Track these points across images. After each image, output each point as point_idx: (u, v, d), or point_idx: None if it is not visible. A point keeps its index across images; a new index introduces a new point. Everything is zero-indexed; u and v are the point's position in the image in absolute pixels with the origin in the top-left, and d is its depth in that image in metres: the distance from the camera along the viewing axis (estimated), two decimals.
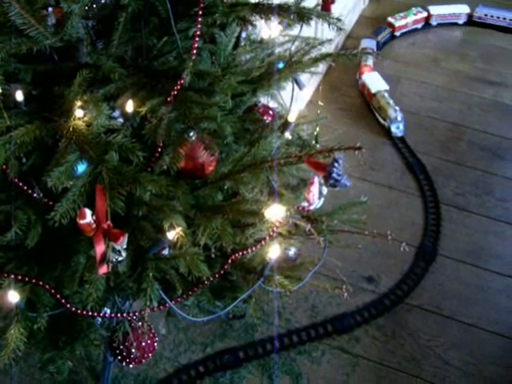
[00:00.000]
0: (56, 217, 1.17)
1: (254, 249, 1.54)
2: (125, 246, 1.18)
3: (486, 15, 3.86)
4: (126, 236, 1.18)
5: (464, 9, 3.88)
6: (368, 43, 3.58)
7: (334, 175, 1.28)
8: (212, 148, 1.34)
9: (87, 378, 2.09)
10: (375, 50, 3.55)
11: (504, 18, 3.87)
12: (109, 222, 1.17)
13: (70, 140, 1.20)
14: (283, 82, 1.58)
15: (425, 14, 3.84)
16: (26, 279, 1.37)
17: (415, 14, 3.80)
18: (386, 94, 3.16)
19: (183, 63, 1.35)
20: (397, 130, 3.03)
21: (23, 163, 1.33)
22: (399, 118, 3.00)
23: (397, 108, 3.04)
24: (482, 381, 2.17)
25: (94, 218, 1.16)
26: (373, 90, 3.22)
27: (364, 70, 3.36)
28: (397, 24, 3.74)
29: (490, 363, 2.22)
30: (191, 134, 1.31)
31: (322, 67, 3.31)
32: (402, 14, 3.78)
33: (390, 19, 3.76)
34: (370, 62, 3.39)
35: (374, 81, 3.28)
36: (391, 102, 3.10)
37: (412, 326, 2.32)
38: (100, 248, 1.15)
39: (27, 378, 2.09)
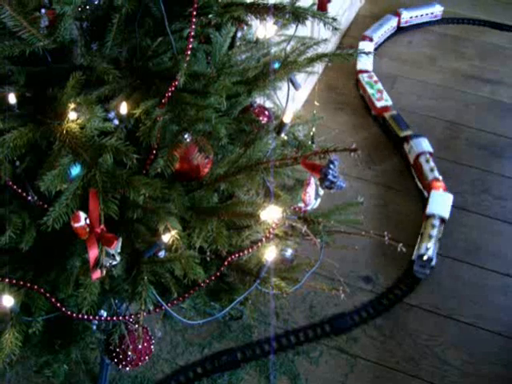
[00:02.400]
0: (49, 221, 1.16)
1: (250, 250, 1.53)
2: (119, 250, 1.18)
3: (411, 17, 3.82)
4: (120, 240, 1.18)
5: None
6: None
7: (330, 177, 1.27)
8: (207, 150, 1.33)
9: (84, 381, 2.08)
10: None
11: (426, 14, 3.86)
12: (102, 227, 1.16)
13: (64, 143, 1.19)
14: (279, 82, 1.57)
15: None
16: (21, 283, 1.36)
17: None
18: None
19: (178, 64, 1.34)
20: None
21: (17, 166, 1.32)
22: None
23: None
24: (480, 380, 2.17)
25: (88, 221, 1.15)
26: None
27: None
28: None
29: (489, 362, 2.21)
30: (186, 135, 1.30)
31: (318, 67, 3.30)
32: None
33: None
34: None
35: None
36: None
37: (410, 325, 2.32)
38: (93, 253, 1.14)
39: (24, 382, 2.09)
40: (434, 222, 2.55)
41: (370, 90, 3.22)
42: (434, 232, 2.51)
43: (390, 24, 3.73)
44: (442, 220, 2.59)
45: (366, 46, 3.49)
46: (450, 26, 3.88)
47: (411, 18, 3.83)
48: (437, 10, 3.87)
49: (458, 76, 3.50)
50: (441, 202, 2.64)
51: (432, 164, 2.78)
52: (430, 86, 3.42)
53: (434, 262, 2.46)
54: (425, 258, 2.42)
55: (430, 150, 2.84)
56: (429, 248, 2.45)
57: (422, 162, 2.79)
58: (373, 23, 3.70)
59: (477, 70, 3.55)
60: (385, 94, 3.18)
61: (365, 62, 3.41)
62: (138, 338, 1.58)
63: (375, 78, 3.29)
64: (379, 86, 3.24)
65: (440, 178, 2.72)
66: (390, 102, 3.13)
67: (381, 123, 3.15)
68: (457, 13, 3.96)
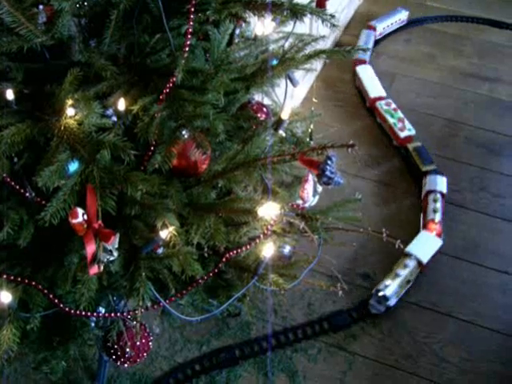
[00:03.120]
0: (46, 217, 1.16)
1: (248, 247, 1.53)
2: (116, 246, 1.17)
3: (384, 28, 3.73)
4: (118, 236, 1.17)
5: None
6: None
7: (328, 173, 1.27)
8: (205, 146, 1.33)
9: (83, 377, 2.08)
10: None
11: (396, 22, 3.78)
12: (100, 222, 1.16)
13: (62, 139, 1.19)
14: (277, 78, 1.57)
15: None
16: (19, 279, 1.36)
17: None
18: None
19: (176, 61, 1.34)
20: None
21: (15, 163, 1.32)
22: None
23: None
24: (478, 377, 2.17)
25: (86, 217, 1.15)
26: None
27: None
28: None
29: (487, 360, 2.22)
30: (184, 132, 1.30)
31: (316, 64, 3.30)
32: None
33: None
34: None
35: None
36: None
37: (408, 323, 2.32)
38: (91, 248, 1.14)
39: (22, 378, 2.09)
40: (407, 262, 2.38)
41: (390, 120, 3.01)
42: (404, 272, 2.35)
43: (371, 40, 3.60)
44: (420, 263, 2.41)
45: (364, 69, 3.37)
46: (448, 23, 3.88)
47: (384, 28, 3.72)
48: (403, 16, 3.78)
49: (456, 74, 3.50)
50: (425, 245, 2.47)
51: (438, 205, 2.60)
52: (428, 83, 3.42)
53: (391, 303, 2.32)
54: (380, 294, 2.28)
55: (443, 190, 2.67)
56: (388, 286, 2.30)
57: (429, 200, 2.64)
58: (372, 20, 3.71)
59: (475, 67, 3.55)
60: (407, 123, 2.99)
61: (378, 88, 3.22)
62: (135, 335, 1.58)
63: (394, 106, 3.09)
64: (399, 114, 3.05)
65: (439, 221, 2.56)
66: (413, 132, 2.95)
67: (403, 155, 2.96)
68: (455, 11, 3.96)
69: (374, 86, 3.25)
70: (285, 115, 1.54)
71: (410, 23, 3.83)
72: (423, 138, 2.96)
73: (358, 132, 3.09)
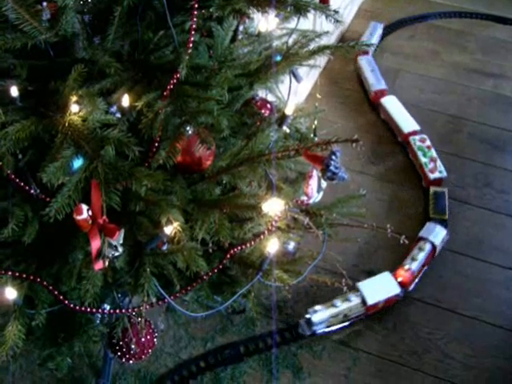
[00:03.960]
0: (51, 213, 1.16)
1: (252, 243, 1.53)
2: (121, 241, 1.18)
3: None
4: (123, 231, 1.18)
5: None
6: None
7: (332, 168, 1.27)
8: (209, 141, 1.33)
9: (88, 374, 2.08)
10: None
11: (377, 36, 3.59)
12: (104, 217, 1.16)
13: (66, 135, 1.19)
14: (280, 74, 1.57)
15: None
16: (24, 276, 1.37)
17: None
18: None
19: (179, 57, 1.34)
20: None
21: (19, 159, 1.32)
22: None
23: None
24: (482, 373, 2.17)
25: (91, 212, 1.16)
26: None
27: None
28: None
29: (491, 355, 2.21)
30: (188, 128, 1.30)
31: (320, 60, 3.30)
32: None
33: None
34: None
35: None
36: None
37: (413, 319, 2.32)
38: (96, 243, 1.15)
39: (28, 375, 2.09)
40: (350, 297, 2.25)
41: (422, 159, 2.82)
42: (342, 306, 2.23)
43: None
44: (364, 302, 2.26)
45: (391, 101, 3.15)
46: (452, 19, 3.87)
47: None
48: (380, 29, 3.63)
49: (460, 70, 3.49)
50: (379, 287, 2.31)
51: (421, 256, 2.42)
52: (432, 80, 3.42)
53: (317, 329, 2.23)
54: (307, 316, 2.21)
55: (436, 242, 2.47)
56: (317, 311, 2.20)
57: (416, 247, 2.47)
58: (374, 18, 3.70)
59: (479, 63, 3.54)
60: (439, 164, 2.80)
61: (410, 122, 3.00)
62: (140, 331, 1.58)
63: (428, 143, 2.88)
64: (432, 152, 2.84)
65: (412, 271, 2.37)
66: (444, 174, 2.77)
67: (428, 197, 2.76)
68: (459, 7, 3.95)
69: (405, 119, 3.02)
70: (289, 111, 1.54)
71: (414, 19, 3.82)
72: (427, 134, 2.95)
73: (362, 128, 3.08)
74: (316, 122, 1.82)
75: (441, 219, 2.61)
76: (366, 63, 3.35)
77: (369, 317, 2.31)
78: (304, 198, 1.73)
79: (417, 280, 2.41)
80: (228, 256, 1.52)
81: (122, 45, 1.39)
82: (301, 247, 1.82)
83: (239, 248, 1.53)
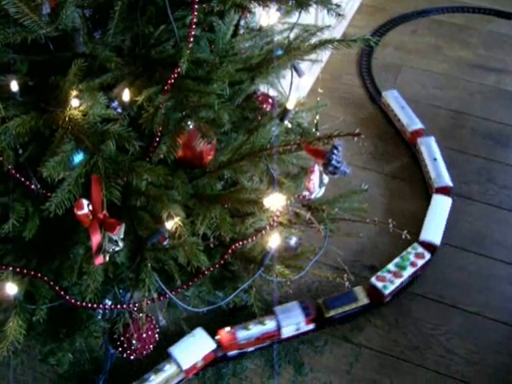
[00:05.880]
0: (51, 207, 1.16)
1: (254, 238, 1.53)
2: (122, 236, 1.17)
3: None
4: (123, 226, 1.17)
5: None
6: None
7: (334, 162, 1.27)
8: (210, 136, 1.32)
9: (89, 369, 2.08)
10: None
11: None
12: (105, 212, 1.16)
13: (66, 130, 1.19)
14: (282, 69, 1.57)
15: None
16: (25, 271, 1.36)
17: None
18: None
19: (180, 51, 1.33)
20: None
21: (20, 155, 1.32)
22: None
23: None
24: (485, 369, 2.17)
25: (91, 207, 1.15)
26: None
27: None
28: None
29: (494, 351, 2.21)
30: (189, 122, 1.30)
31: (322, 56, 3.29)
32: None
33: None
34: None
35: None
36: None
37: (415, 314, 2.31)
38: (96, 238, 1.14)
39: (29, 371, 2.09)
40: (163, 367, 2.02)
41: None
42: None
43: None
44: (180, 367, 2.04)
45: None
46: (455, 14, 3.86)
47: None
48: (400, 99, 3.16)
49: (462, 65, 3.48)
50: (189, 349, 2.06)
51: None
52: (434, 75, 3.41)
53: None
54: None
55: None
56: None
57: None
58: (376, 14, 3.68)
59: (482, 58, 3.53)
60: None
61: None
62: (142, 327, 1.58)
63: None
64: None
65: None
66: None
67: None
68: (462, 1, 3.93)
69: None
70: (290, 105, 1.54)
71: (417, 14, 3.81)
72: (429, 129, 2.94)
73: (364, 123, 3.07)
74: (318, 117, 1.82)
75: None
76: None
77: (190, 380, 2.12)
78: (306, 192, 1.72)
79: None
80: (229, 251, 1.52)
81: (122, 39, 1.39)
82: (302, 242, 1.81)
83: (241, 243, 1.52)
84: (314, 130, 1.80)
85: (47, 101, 1.27)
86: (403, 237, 1.64)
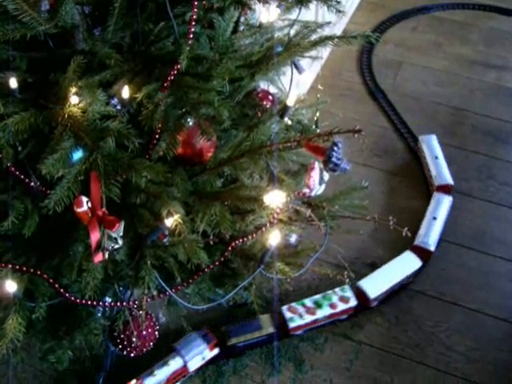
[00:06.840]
0: (50, 205, 1.16)
1: (254, 235, 1.53)
2: (121, 234, 1.17)
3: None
4: (123, 223, 1.17)
5: None
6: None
7: (334, 159, 1.27)
8: (210, 133, 1.32)
9: (89, 367, 2.08)
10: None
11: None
12: (104, 209, 1.15)
13: (66, 127, 1.19)
14: (282, 66, 1.56)
15: None
16: (24, 269, 1.36)
17: None
18: None
19: (180, 48, 1.33)
20: None
21: (19, 151, 1.32)
22: None
23: None
24: (485, 366, 2.17)
25: (90, 204, 1.15)
26: None
27: None
28: None
29: (494, 348, 2.21)
30: (188, 119, 1.30)
31: (322, 52, 3.28)
32: None
33: None
34: None
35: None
36: None
37: (415, 312, 2.31)
38: (95, 236, 1.14)
39: (29, 369, 2.09)
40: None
41: None
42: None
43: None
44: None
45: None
46: (455, 11, 3.85)
47: None
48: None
49: (463, 62, 3.47)
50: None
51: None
52: (435, 72, 3.40)
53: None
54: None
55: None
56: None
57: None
58: (377, 10, 3.68)
59: (482, 55, 3.52)
60: None
61: None
62: (141, 324, 1.58)
63: None
64: None
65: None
66: None
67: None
68: None
69: None
70: (290, 102, 1.53)
71: (417, 11, 3.80)
72: (430, 126, 2.94)
73: (365, 120, 3.07)
74: (318, 114, 1.81)
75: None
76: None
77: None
78: (306, 190, 1.71)
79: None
80: (229, 248, 1.52)
81: (122, 36, 1.38)
82: (303, 240, 1.81)
83: (241, 240, 1.52)
84: (314, 126, 1.79)
85: (46, 98, 1.27)
86: (404, 234, 1.64)
